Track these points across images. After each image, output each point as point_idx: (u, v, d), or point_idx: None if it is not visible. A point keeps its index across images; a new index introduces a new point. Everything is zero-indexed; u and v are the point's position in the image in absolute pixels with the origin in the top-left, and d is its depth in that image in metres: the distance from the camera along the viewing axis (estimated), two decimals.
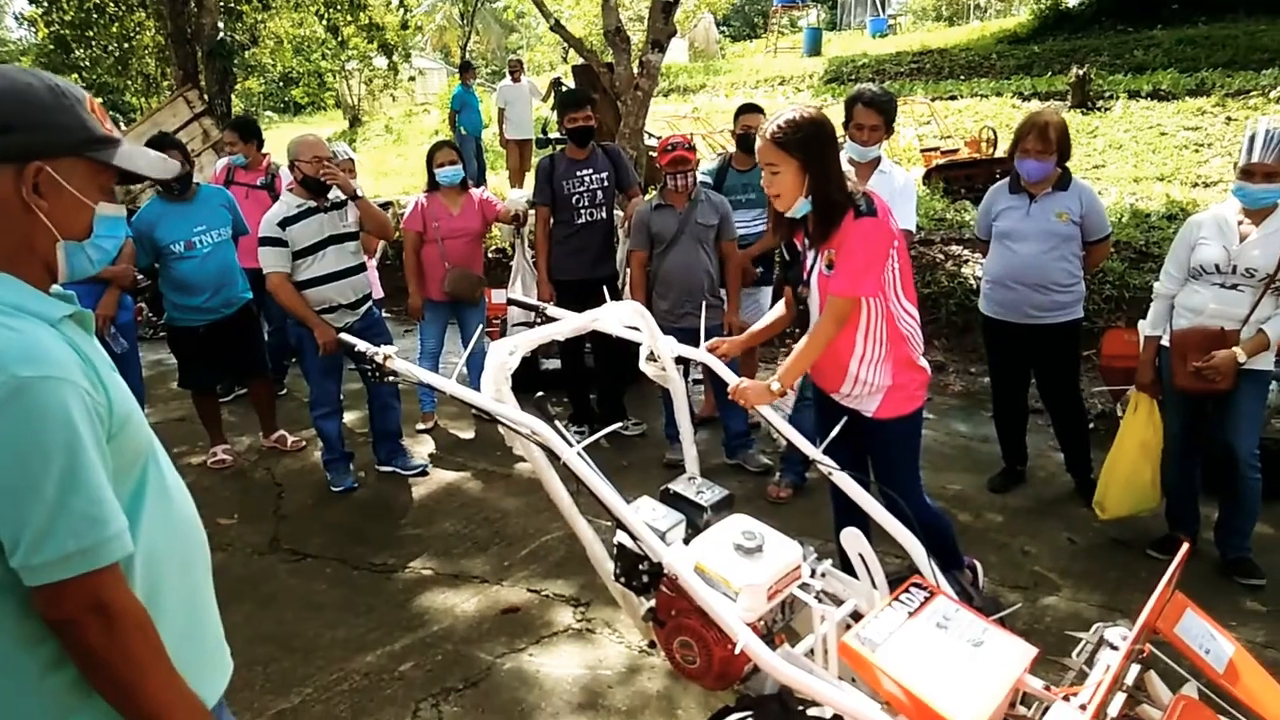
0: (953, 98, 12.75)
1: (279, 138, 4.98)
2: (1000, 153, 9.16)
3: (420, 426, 5.34)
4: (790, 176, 2.60)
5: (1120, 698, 1.91)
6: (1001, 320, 4.06)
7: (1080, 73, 10.01)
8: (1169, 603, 2.10)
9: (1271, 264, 3.25)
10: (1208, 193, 7.91)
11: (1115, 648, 2.08)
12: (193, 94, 10.00)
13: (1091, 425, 4.33)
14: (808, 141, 2.57)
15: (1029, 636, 2.05)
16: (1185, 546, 2.16)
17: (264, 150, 5.98)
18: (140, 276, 4.90)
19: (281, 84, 21.81)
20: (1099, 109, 10.60)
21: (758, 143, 2.65)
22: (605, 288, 3.25)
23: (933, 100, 11.95)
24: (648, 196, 5.03)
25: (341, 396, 4.62)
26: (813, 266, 2.76)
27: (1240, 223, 3.35)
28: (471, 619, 3.39)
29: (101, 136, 1.28)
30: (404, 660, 3.13)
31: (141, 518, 1.29)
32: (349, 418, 5.02)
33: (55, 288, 1.31)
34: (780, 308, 3.04)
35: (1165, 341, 3.54)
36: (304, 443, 5.14)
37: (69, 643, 1.19)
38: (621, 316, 2.74)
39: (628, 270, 5.35)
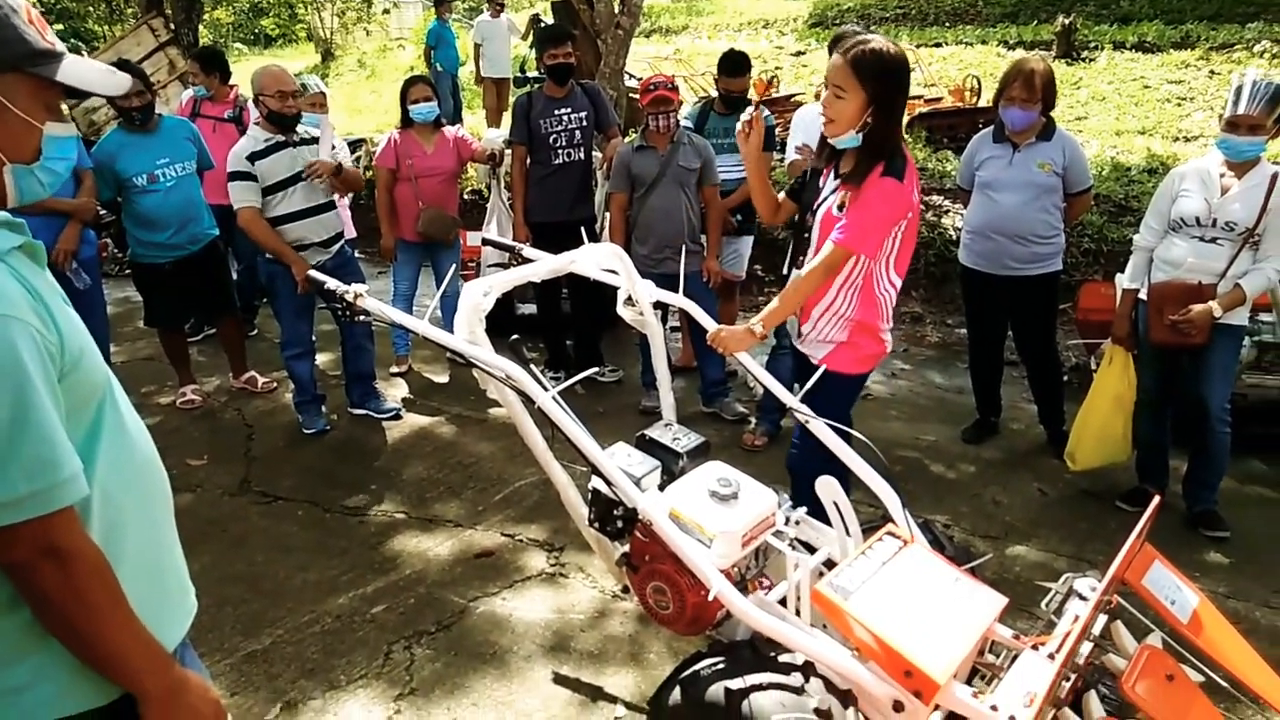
0: (938, 44, 12.59)
1: (248, 70, 4.81)
2: (984, 102, 9.08)
3: (394, 370, 5.27)
4: (854, 105, 2.47)
5: (1087, 647, 1.93)
6: (980, 271, 4.05)
7: (1066, 22, 9.89)
8: (1138, 554, 2.11)
9: (1251, 218, 3.24)
10: (1189, 147, 7.90)
11: (1084, 598, 2.10)
12: (157, 22, 9.64)
13: (1065, 378, 4.34)
14: (885, 78, 2.46)
15: (999, 586, 2.06)
16: (1156, 499, 2.17)
17: (231, 82, 5.77)
18: (103, 210, 4.77)
19: (251, 14, 21.06)
20: (1084, 59, 10.51)
21: (833, 60, 2.52)
22: (584, 230, 3.19)
23: (917, 47, 11.78)
24: (628, 138, 4.92)
25: (314, 337, 4.53)
26: (825, 199, 2.68)
27: (1222, 175, 3.33)
28: (444, 563, 3.38)
29: (42, 50, 1.19)
30: (376, 603, 3.12)
31: (97, 459, 1.24)
32: (321, 359, 4.95)
33: (2, 215, 1.24)
34: (781, 196, 2.98)
35: (1143, 295, 3.53)
36: (275, 384, 5.06)
37: (22, 587, 1.15)
38: (599, 259, 2.69)
39: (606, 213, 5.27)
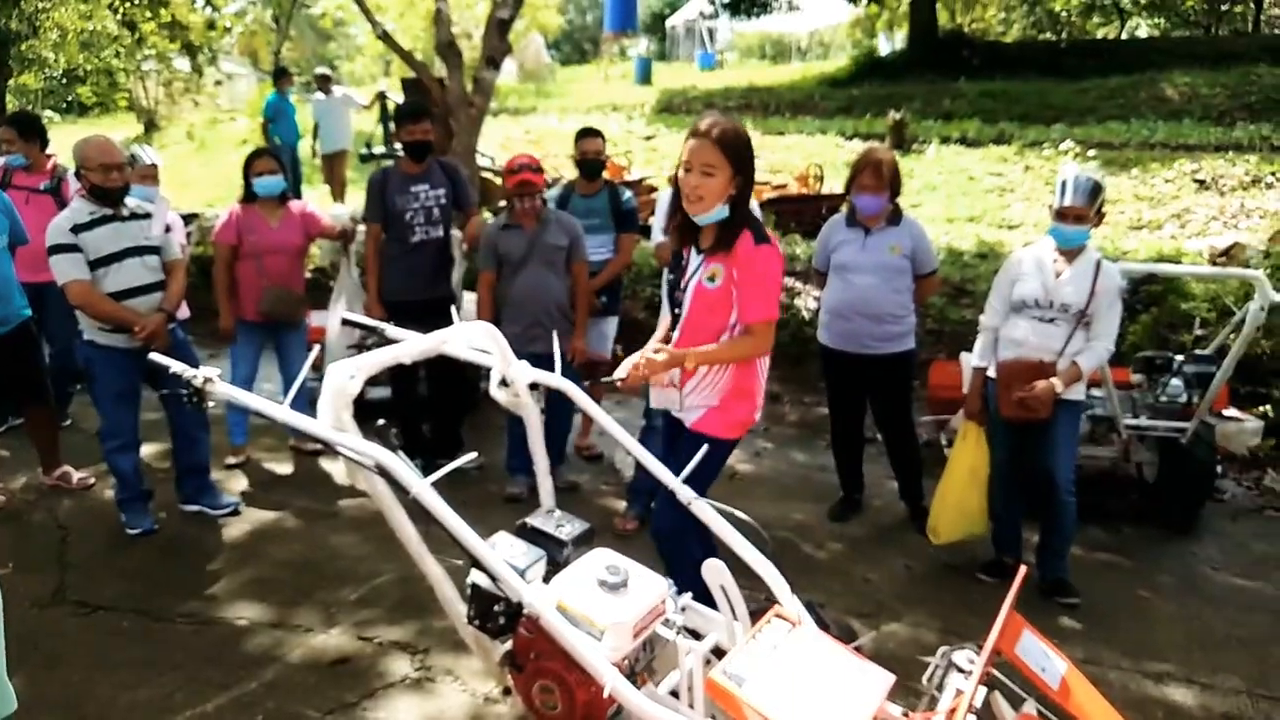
0: (780, 133, 13.33)
1: (62, 139, 4.42)
2: (827, 189, 9.61)
3: (230, 460, 4.86)
4: (723, 181, 2.60)
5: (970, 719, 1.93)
6: (839, 350, 4.17)
7: (897, 117, 10.71)
8: (1008, 624, 2.16)
9: (1083, 300, 3.50)
10: (1012, 234, 8.61)
11: (962, 670, 2.11)
12: None
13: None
14: (745, 151, 2.64)
15: (879, 663, 2.05)
16: (1023, 570, 2.23)
17: (48, 151, 5.32)
18: None
19: (65, 81, 19.77)
20: (915, 152, 11.40)
21: (693, 141, 2.61)
22: (453, 308, 3.07)
23: (762, 135, 12.42)
24: (489, 216, 4.85)
25: (138, 427, 4.11)
26: (693, 275, 2.76)
27: (1055, 260, 3.58)
28: (295, 672, 3.06)
29: None
30: None
31: None
32: (146, 450, 4.48)
33: None
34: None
35: (991, 372, 3.73)
36: (93, 480, 4.55)
37: None
38: (471, 339, 2.58)
39: (465, 292, 5.15)
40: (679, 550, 2.79)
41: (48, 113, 22.45)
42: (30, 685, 2.90)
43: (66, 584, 3.63)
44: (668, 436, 3.03)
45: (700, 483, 2.61)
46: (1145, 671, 3.21)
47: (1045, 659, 2.20)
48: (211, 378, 2.26)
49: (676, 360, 2.65)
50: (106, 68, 16.58)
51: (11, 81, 11.97)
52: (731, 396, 2.79)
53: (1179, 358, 4.50)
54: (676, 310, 2.86)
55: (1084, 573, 3.80)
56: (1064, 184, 3.51)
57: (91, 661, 3.11)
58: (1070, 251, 3.55)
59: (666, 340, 2.90)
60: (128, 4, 11.80)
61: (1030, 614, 2.19)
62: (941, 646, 2.19)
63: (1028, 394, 3.46)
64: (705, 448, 2.62)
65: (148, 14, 11.81)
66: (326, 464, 4.91)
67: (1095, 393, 4.24)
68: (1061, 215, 3.49)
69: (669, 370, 2.70)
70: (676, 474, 2.60)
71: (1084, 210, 3.45)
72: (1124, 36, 24.29)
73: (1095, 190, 3.46)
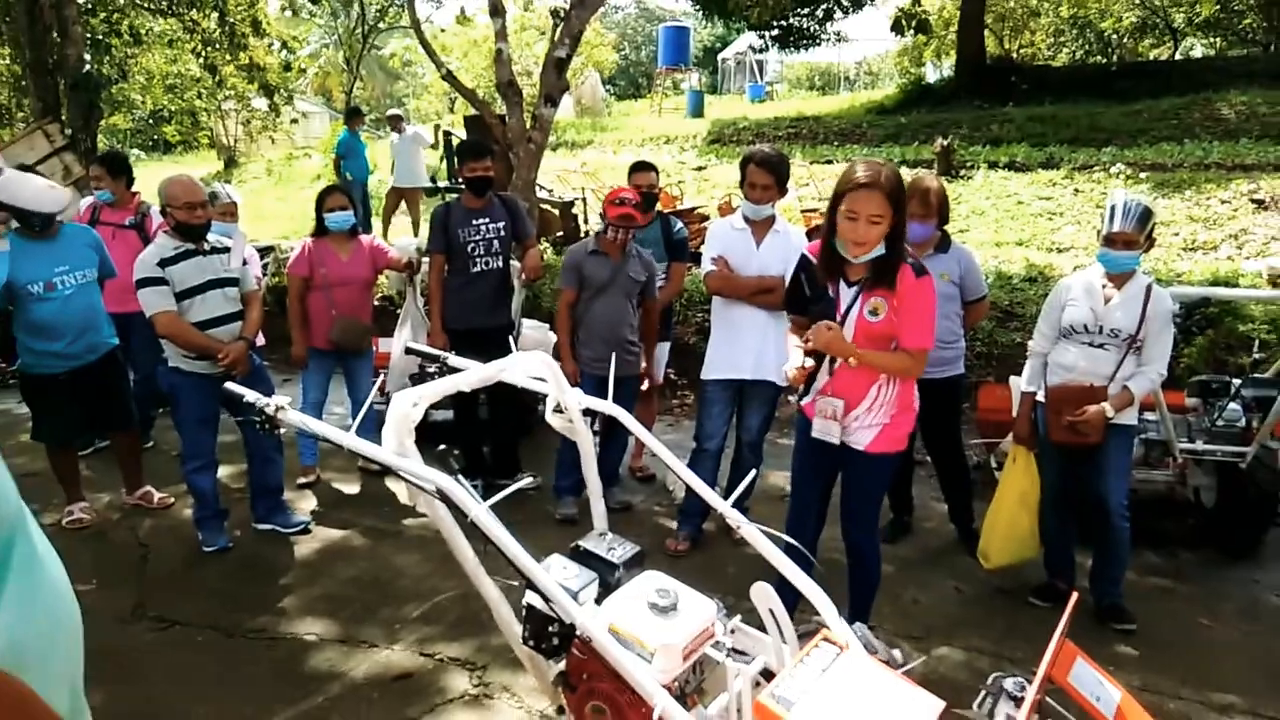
0: (829, 162, 13.34)
1: (148, 177, 4.67)
2: None
3: (301, 480, 5.08)
4: (887, 225, 2.76)
5: None
6: None
7: (945, 143, 10.68)
8: (1061, 652, 2.17)
9: (1133, 325, 3.50)
10: (1062, 258, 8.51)
11: (1014, 697, 2.14)
12: (53, 127, 9.42)
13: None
14: (903, 192, 2.80)
15: (927, 688, 2.08)
16: (1074, 596, 2.25)
17: (134, 188, 5.65)
18: None
19: (151, 121, 20.78)
20: (962, 177, 11.33)
21: (862, 192, 2.73)
22: (511, 338, 3.20)
23: (810, 164, 12.47)
24: (544, 246, 5.01)
25: (216, 449, 4.33)
26: (850, 309, 2.92)
27: (1104, 286, 3.59)
28: (359, 687, 3.20)
29: None
30: None
31: (2, 600, 1.13)
32: (222, 472, 4.72)
33: None
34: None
35: (1040, 397, 3.74)
36: (172, 499, 4.80)
37: None
38: (528, 368, 2.69)
39: (521, 320, 5.32)
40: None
41: (135, 151, 23.58)
42: (109, 699, 3.08)
43: (146, 599, 3.83)
44: (819, 466, 3.18)
45: (875, 501, 3.08)
46: (1208, 703, 3.15)
47: (1099, 687, 2.22)
48: (283, 405, 2.40)
49: (847, 350, 2.84)
50: (190, 108, 17.40)
51: (103, 122, 12.62)
52: (900, 413, 2.98)
53: (1236, 381, 4.44)
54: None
55: (1140, 599, 3.77)
56: (1113, 209, 3.51)
57: (168, 676, 3.27)
58: (1120, 277, 3.56)
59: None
60: (210, 48, 12.43)
61: (1084, 641, 2.21)
62: (993, 673, 2.22)
63: (1078, 419, 3.46)
64: (754, 474, 2.72)
65: (228, 57, 12.42)
66: (391, 484, 5.09)
67: (1149, 416, 4.20)
68: (1110, 241, 3.49)
69: (840, 352, 2.87)
70: (860, 502, 3.09)
71: (1133, 236, 3.46)
72: (1177, 57, 23.76)
73: (1145, 215, 3.46)
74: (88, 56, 10.75)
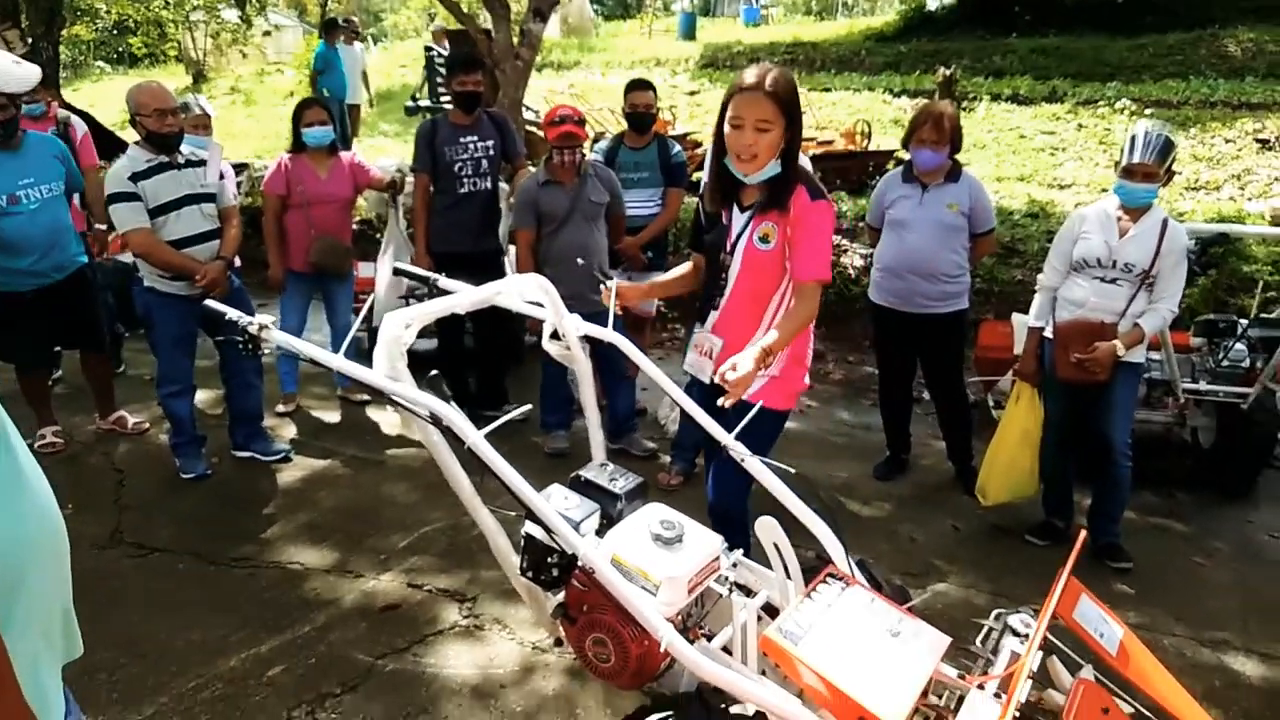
0: (826, 90, 13.03)
1: (113, 91, 4.34)
2: (874, 146, 9.41)
3: (281, 408, 4.94)
4: (776, 136, 2.43)
5: (1027, 684, 1.91)
6: (892, 309, 4.09)
7: (947, 73, 10.41)
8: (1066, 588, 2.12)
9: (1147, 260, 3.38)
10: (1064, 194, 8.37)
11: (1018, 634, 2.09)
12: (12, 34, 8.92)
13: None
14: (795, 101, 2.46)
15: (930, 624, 2.03)
16: (1082, 534, 2.19)
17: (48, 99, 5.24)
18: None
19: (116, 32, 19.92)
20: (964, 109, 11.08)
21: (747, 95, 2.40)
22: (505, 260, 3.04)
23: (808, 91, 12.16)
24: (532, 168, 4.79)
25: (193, 373, 4.17)
26: (740, 235, 2.59)
27: (1119, 219, 3.46)
28: (347, 617, 3.11)
29: None
30: (272, 664, 2.83)
31: None
32: (199, 397, 4.57)
33: None
34: (687, 265, 2.91)
35: (1048, 333, 3.64)
36: (147, 424, 4.65)
37: None
38: (524, 291, 2.55)
39: (509, 246, 5.12)
40: (735, 521, 2.71)
41: (99, 63, 22.68)
42: (90, 625, 2.92)
43: (123, 526, 3.72)
44: (701, 404, 2.77)
45: (762, 454, 2.49)
46: (1202, 639, 3.16)
47: (1103, 624, 2.17)
48: (267, 325, 2.27)
49: (764, 358, 2.36)
50: (156, 19, 16.65)
51: (64, 32, 12.06)
52: (790, 364, 2.68)
53: (1244, 321, 4.37)
54: (723, 276, 2.67)
55: (1136, 537, 3.75)
56: (1134, 139, 3.37)
57: (149, 602, 3.18)
58: (1136, 210, 3.43)
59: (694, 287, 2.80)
60: None
61: (1083, 578, 2.15)
62: (995, 609, 2.17)
63: (1088, 356, 3.37)
64: (758, 405, 2.56)
65: None
66: (374, 413, 4.96)
67: (1153, 356, 4.13)
68: (1129, 172, 3.36)
69: (758, 370, 2.36)
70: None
71: (1154, 168, 3.32)
72: None
73: (1167, 146, 3.32)
74: None
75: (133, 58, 22.28)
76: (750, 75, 2.44)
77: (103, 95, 4.89)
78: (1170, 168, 3.40)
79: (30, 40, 9.31)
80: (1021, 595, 3.34)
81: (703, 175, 3.98)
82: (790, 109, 2.44)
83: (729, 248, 2.64)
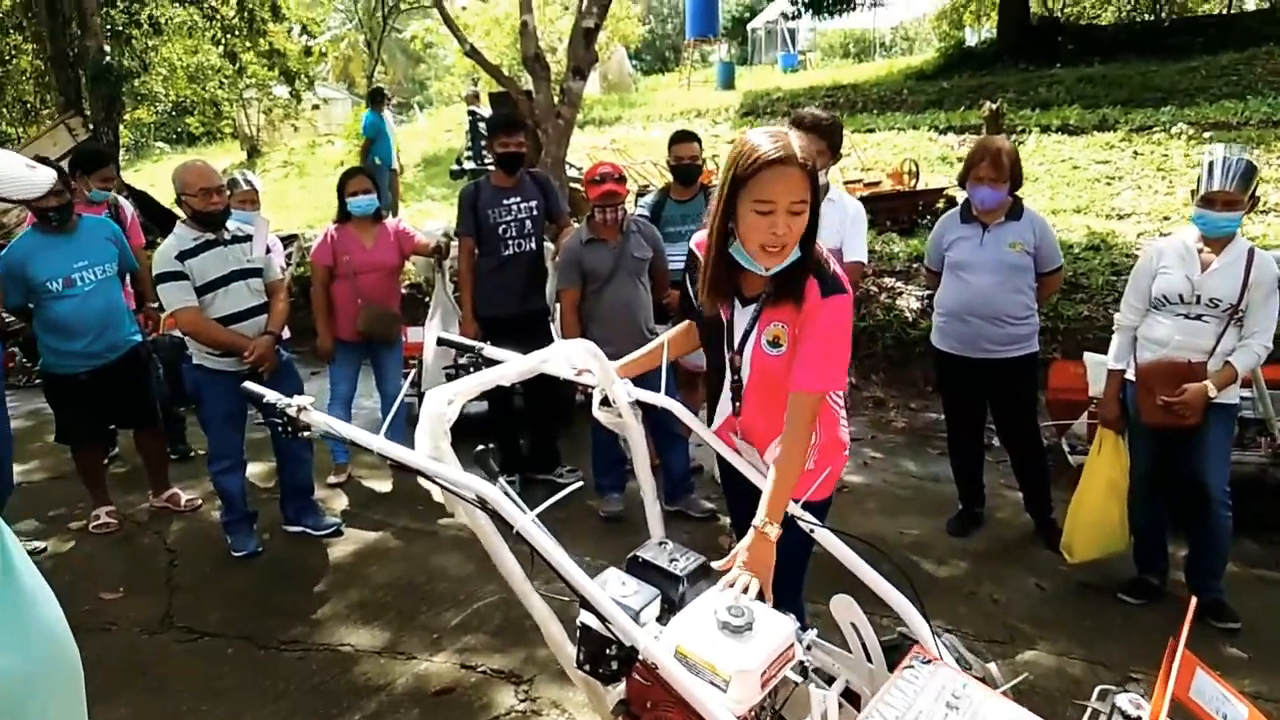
0: (869, 130, 12.90)
1: (173, 170, 4.42)
2: (922, 184, 9.23)
3: (332, 479, 4.88)
4: (808, 217, 1.97)
5: None
6: (956, 355, 3.90)
7: (994, 106, 10.22)
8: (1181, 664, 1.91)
9: (1235, 294, 3.16)
10: (1124, 224, 8.08)
11: (1128, 716, 1.87)
12: (75, 121, 9.32)
13: None
14: (816, 169, 1.98)
15: (1018, 698, 1.83)
16: (1194, 602, 1.98)
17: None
18: (10, 318, 4.35)
19: (174, 113, 20.77)
20: (1015, 143, 10.87)
21: (776, 171, 1.90)
22: (552, 324, 2.93)
23: (851, 132, 12.06)
24: (576, 226, 4.73)
25: (244, 448, 4.14)
26: (747, 334, 2.17)
27: (1201, 251, 3.25)
28: (399, 703, 2.97)
29: None
30: None
31: None
32: (250, 470, 4.53)
33: None
34: (681, 328, 2.53)
35: (1129, 375, 3.41)
36: (200, 501, 4.62)
37: None
38: (572, 357, 2.44)
39: (557, 304, 5.04)
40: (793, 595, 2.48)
41: (159, 144, 23.61)
42: (135, 714, 2.90)
43: (174, 608, 3.65)
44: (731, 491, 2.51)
45: (793, 562, 2.19)
46: None
47: (1225, 703, 1.95)
48: (306, 406, 2.17)
49: (771, 543, 2.03)
50: (212, 98, 17.33)
51: (127, 116, 12.56)
52: (824, 454, 2.27)
53: None
54: (735, 377, 2.26)
55: (1240, 592, 3.45)
56: (1211, 165, 3.16)
57: (198, 688, 3.08)
58: (1218, 241, 3.21)
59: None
60: (229, 35, 12.31)
61: (1188, 643, 1.93)
62: (1096, 683, 1.96)
63: (1176, 399, 3.14)
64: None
65: (247, 44, 12.27)
66: (426, 481, 4.86)
67: (1244, 393, 3.85)
68: (1209, 201, 3.15)
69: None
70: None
71: (1236, 195, 3.11)
72: (1231, 11, 22.84)
73: (1250, 171, 3.11)
74: (108, 48, 10.61)
75: (191, 136, 23.18)
76: (771, 145, 1.92)
77: (163, 175, 5.04)
78: (1254, 194, 3.19)
79: (92, 126, 9.66)
80: (1120, 663, 3.08)
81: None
82: (815, 180, 1.96)
83: (736, 347, 2.22)
